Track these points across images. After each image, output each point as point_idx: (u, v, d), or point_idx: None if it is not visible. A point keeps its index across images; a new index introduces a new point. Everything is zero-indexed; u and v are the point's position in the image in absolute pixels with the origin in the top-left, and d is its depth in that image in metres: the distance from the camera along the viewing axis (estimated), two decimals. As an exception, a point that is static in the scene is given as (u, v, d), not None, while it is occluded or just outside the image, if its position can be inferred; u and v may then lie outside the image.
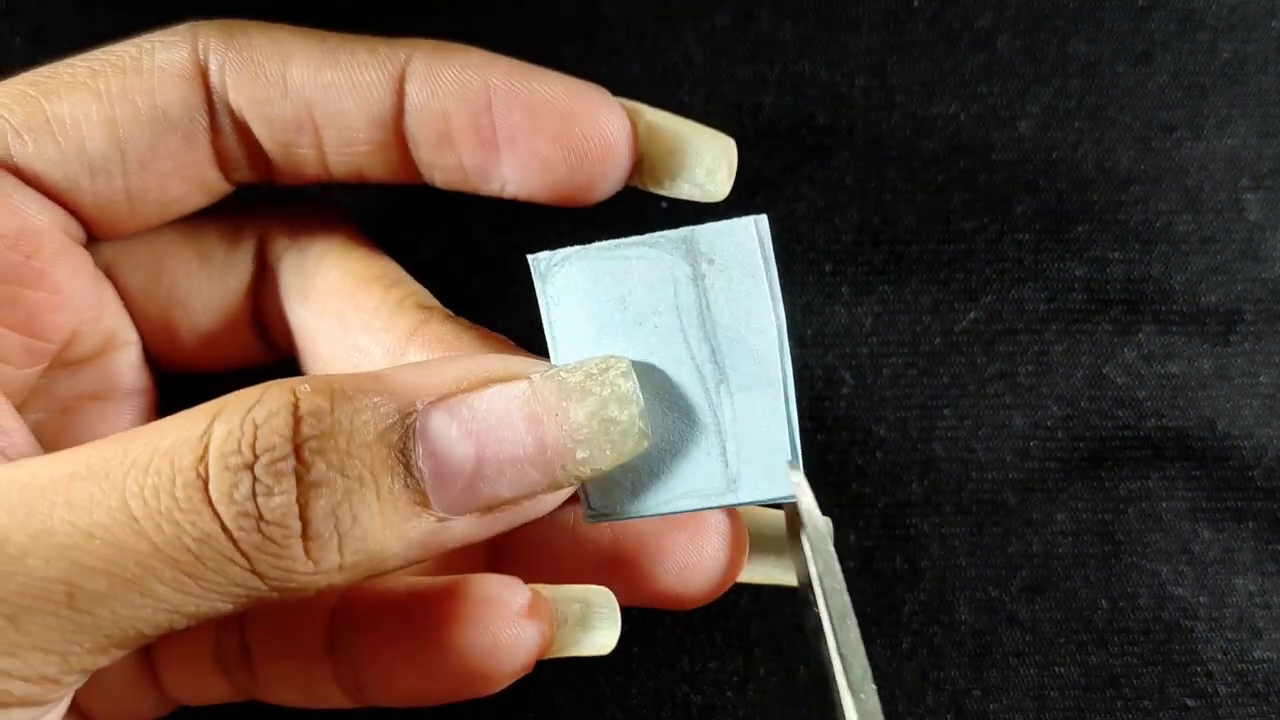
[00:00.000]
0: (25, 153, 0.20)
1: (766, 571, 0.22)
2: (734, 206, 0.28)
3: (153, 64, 0.20)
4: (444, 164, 0.22)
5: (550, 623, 0.20)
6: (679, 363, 0.19)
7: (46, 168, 0.20)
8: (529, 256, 0.19)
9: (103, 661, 0.16)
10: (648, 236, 0.19)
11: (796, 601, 0.27)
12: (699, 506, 0.19)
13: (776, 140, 0.28)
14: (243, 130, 0.21)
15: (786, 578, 0.22)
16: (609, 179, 0.21)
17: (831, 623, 0.18)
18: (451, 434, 0.17)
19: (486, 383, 0.18)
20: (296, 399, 0.16)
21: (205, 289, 0.23)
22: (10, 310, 0.20)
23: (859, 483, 0.27)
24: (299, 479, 0.16)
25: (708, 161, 0.22)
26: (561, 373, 0.18)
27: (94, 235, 0.22)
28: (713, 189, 0.22)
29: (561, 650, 0.21)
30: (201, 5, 0.28)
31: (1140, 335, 0.27)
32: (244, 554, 0.16)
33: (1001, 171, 0.28)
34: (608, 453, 0.18)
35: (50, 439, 0.21)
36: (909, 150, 0.28)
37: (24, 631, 0.15)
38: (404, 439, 0.17)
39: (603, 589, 0.21)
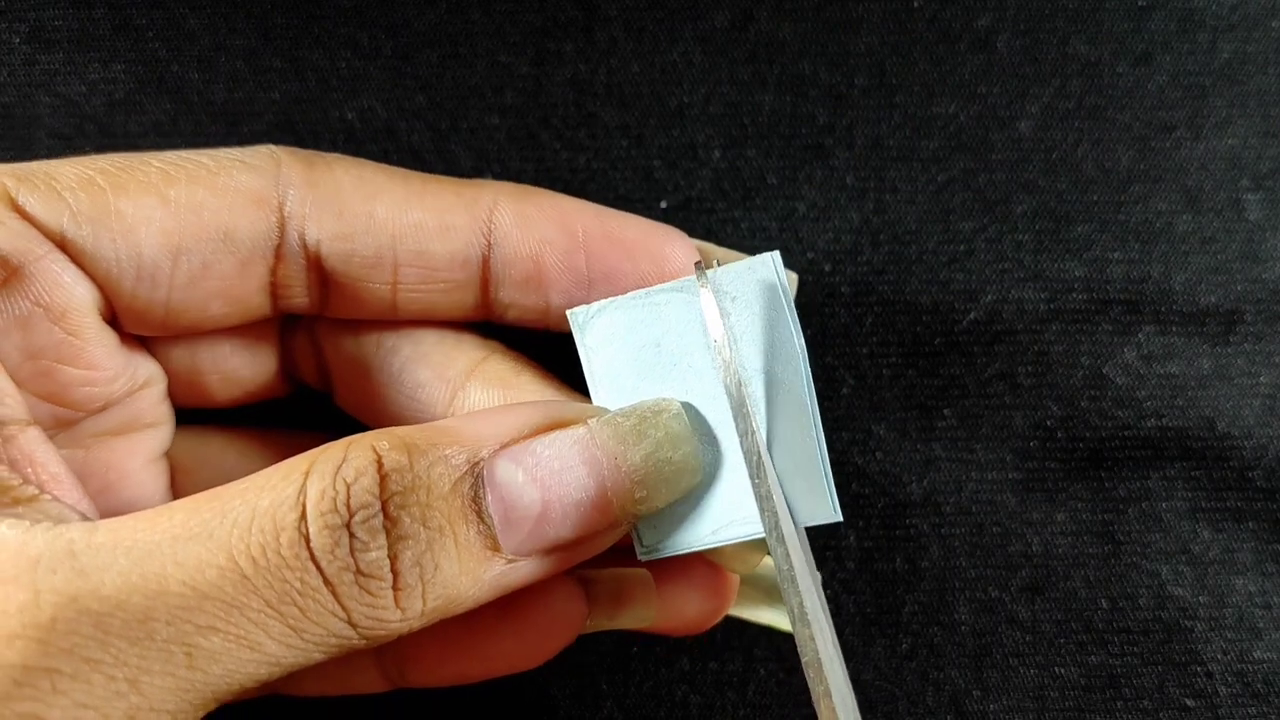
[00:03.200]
0: (80, 238, 0.20)
1: (755, 612, 0.25)
2: (734, 206, 0.28)
3: (229, 182, 0.21)
4: (526, 303, 0.22)
5: (586, 600, 0.22)
6: (713, 398, 0.20)
7: (96, 260, 0.20)
8: (568, 311, 0.21)
9: (199, 716, 0.17)
10: (675, 282, 0.20)
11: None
12: (745, 535, 0.20)
13: (776, 140, 0.28)
14: (313, 262, 0.21)
15: (772, 619, 0.25)
16: None
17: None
18: (518, 480, 0.18)
19: (546, 429, 0.19)
20: (379, 456, 0.17)
21: (235, 335, 0.23)
22: (44, 381, 0.20)
23: (859, 483, 0.27)
24: (388, 533, 0.17)
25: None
26: (617, 417, 0.19)
27: (119, 325, 0.21)
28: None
29: (599, 625, 0.22)
30: (199, 4, 0.28)
31: (1140, 335, 0.27)
32: (343, 605, 0.17)
33: (1001, 171, 0.28)
34: (664, 491, 0.19)
35: (74, 472, 0.21)
36: (909, 150, 0.28)
37: (144, 694, 0.16)
38: (475, 488, 0.18)
39: (638, 570, 0.22)
